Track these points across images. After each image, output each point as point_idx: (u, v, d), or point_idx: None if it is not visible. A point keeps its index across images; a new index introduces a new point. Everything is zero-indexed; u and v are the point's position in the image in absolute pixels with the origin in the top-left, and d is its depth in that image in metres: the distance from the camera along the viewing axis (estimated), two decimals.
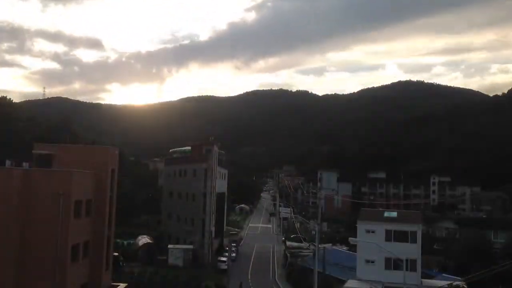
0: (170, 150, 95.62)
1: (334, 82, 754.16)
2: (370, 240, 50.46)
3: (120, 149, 43.96)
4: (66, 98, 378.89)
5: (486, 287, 50.92)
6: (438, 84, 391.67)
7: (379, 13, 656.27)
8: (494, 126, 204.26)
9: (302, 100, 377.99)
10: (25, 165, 36.21)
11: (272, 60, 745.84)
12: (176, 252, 67.53)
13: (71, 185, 32.53)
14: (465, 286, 48.36)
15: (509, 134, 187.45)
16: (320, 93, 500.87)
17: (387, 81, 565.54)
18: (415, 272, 50.16)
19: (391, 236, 51.83)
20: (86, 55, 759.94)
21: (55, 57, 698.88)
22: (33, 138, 63.99)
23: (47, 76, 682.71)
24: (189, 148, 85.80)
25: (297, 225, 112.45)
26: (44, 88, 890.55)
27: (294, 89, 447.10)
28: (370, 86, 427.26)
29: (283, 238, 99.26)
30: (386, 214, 56.92)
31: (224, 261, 67.32)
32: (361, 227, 53.59)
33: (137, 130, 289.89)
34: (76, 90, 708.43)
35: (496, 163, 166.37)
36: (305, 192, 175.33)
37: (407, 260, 47.75)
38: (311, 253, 65.61)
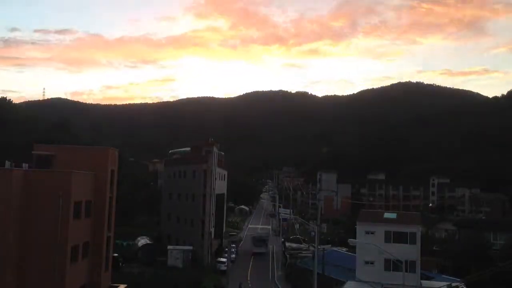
0: (170, 151, 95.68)
1: (333, 83, 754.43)
2: (370, 241, 50.47)
3: (120, 150, 43.98)
4: (66, 99, 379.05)
5: None
6: (438, 85, 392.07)
7: None
8: (494, 128, 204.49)
9: (302, 101, 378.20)
10: (25, 166, 36.24)
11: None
12: (175, 253, 67.50)
13: (71, 186, 32.61)
14: (464, 287, 48.38)
15: (509, 135, 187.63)
16: (319, 94, 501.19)
17: (387, 82, 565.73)
18: (414, 274, 50.12)
19: (390, 237, 51.73)
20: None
21: None
22: (33, 139, 64.00)
23: None
24: (189, 149, 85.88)
25: (297, 226, 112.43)
26: (44, 88, 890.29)
27: (293, 90, 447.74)
28: (369, 87, 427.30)
29: (283, 239, 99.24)
30: (385, 215, 56.85)
31: (223, 262, 67.34)
32: (360, 228, 53.52)
33: (137, 130, 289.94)
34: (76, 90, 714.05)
35: (495, 165, 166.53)
36: (304, 193, 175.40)
37: (406, 262, 47.80)
38: (311, 254, 65.60)
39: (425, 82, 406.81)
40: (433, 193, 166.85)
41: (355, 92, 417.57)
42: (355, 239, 51.63)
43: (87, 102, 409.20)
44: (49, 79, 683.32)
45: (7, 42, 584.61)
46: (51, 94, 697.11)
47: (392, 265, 49.74)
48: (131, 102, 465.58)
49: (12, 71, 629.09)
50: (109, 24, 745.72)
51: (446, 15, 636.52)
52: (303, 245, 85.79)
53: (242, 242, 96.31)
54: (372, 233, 52.47)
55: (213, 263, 71.07)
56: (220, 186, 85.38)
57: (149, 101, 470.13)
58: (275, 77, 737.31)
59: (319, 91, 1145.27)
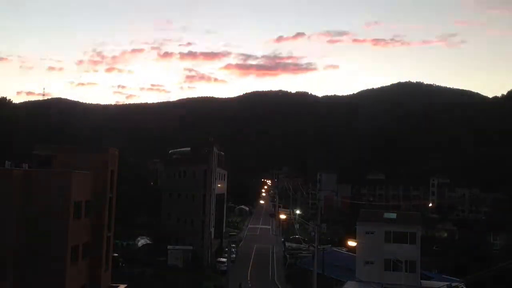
0: (170, 151, 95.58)
1: (333, 83, 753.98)
2: (370, 241, 50.60)
3: (120, 150, 43.98)
4: (66, 99, 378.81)
5: None
6: (438, 85, 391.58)
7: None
8: (494, 127, 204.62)
9: (302, 101, 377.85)
10: (25, 165, 36.26)
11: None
12: (175, 253, 67.56)
13: (71, 186, 32.59)
14: (464, 287, 48.42)
15: (509, 135, 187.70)
16: (319, 94, 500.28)
17: (387, 82, 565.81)
18: (414, 273, 50.20)
19: (390, 237, 51.84)
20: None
21: None
22: (33, 139, 64.03)
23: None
24: (189, 149, 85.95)
25: (297, 226, 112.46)
26: (43, 88, 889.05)
27: (293, 90, 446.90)
28: (369, 87, 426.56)
29: (282, 239, 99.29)
30: (385, 215, 56.91)
31: (223, 262, 67.41)
32: (360, 228, 53.61)
33: (137, 130, 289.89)
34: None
35: (495, 165, 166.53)
36: (304, 193, 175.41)
37: (406, 261, 47.88)
38: (311, 254, 65.64)
39: (425, 82, 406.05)
40: (433, 193, 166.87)
41: (355, 92, 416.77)
42: (355, 239, 51.69)
43: (87, 102, 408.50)
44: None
45: None
46: (51, 94, 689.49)
47: (392, 265, 49.80)
48: (131, 102, 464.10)
49: None
50: None
51: None
52: (303, 245, 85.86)
53: (242, 242, 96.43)
54: (372, 233, 52.53)
55: (213, 263, 71.12)
56: (220, 186, 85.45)
57: (149, 102, 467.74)
58: (275, 77, 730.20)
59: (319, 91, 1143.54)
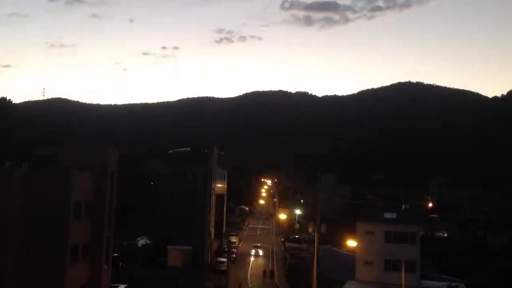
0: (170, 151, 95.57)
1: (333, 83, 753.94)
2: (370, 241, 50.58)
3: (120, 150, 43.95)
4: (66, 99, 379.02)
5: None
6: (438, 85, 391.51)
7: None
8: (494, 128, 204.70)
9: (302, 101, 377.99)
10: (25, 166, 36.25)
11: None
12: (175, 253, 67.50)
13: (71, 186, 32.61)
14: (463, 287, 48.45)
15: (509, 135, 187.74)
16: (319, 94, 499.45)
17: (387, 82, 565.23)
18: (414, 274, 50.17)
19: (390, 237, 51.85)
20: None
21: None
22: (33, 139, 64.01)
23: None
24: (189, 149, 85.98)
25: (297, 226, 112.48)
26: (44, 88, 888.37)
27: (293, 90, 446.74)
28: (369, 87, 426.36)
29: (282, 239, 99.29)
30: (385, 215, 56.89)
31: (223, 262, 67.40)
32: (360, 228, 53.60)
33: (137, 130, 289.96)
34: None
35: (495, 165, 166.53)
36: (304, 193, 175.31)
37: (406, 262, 47.85)
38: (311, 254, 65.61)
39: (425, 82, 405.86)
40: (433, 193, 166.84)
41: (355, 92, 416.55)
42: (355, 239, 51.68)
43: (87, 102, 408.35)
44: None
45: None
46: (51, 94, 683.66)
47: (392, 265, 49.80)
48: (131, 102, 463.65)
49: None
50: None
51: None
52: (303, 245, 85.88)
53: (242, 242, 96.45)
54: (372, 233, 52.52)
55: (213, 263, 71.11)
56: (220, 186, 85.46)
57: (149, 101, 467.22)
58: (275, 77, 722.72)
59: (319, 91, 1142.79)
